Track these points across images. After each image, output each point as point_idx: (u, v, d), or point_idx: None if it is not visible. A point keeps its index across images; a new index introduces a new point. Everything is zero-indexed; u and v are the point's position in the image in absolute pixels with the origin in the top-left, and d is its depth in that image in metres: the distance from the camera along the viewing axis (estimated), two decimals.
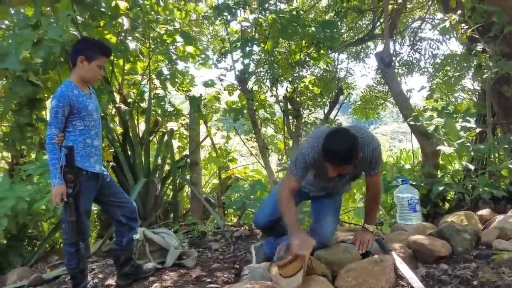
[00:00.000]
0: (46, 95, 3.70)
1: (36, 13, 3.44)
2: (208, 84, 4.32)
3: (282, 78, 4.91)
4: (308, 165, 2.41)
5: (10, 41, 3.27)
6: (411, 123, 3.94)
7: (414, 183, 3.89)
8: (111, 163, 3.97)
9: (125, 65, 4.28)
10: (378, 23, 6.87)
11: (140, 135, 4.22)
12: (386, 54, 4.22)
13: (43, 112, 3.80)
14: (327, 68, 5.44)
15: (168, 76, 4.22)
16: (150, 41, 4.07)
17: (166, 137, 4.24)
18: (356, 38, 7.30)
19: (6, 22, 4.14)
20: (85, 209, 2.61)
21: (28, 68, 3.34)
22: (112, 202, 2.79)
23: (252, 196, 3.80)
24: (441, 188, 3.79)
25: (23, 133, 3.69)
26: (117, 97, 4.17)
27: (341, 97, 4.96)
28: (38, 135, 3.91)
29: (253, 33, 4.31)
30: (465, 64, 4.22)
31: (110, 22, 3.60)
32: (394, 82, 4.29)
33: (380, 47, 7.90)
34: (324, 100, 5.19)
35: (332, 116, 4.82)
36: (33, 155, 4.11)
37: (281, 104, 4.69)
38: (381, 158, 2.50)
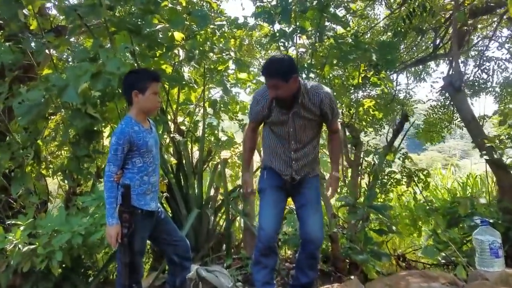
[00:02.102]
0: (104, 128, 3.71)
1: (94, 46, 3.48)
2: None
3: (341, 105, 4.68)
4: (257, 102, 2.75)
5: (68, 73, 3.32)
6: (486, 157, 3.57)
7: (491, 220, 3.51)
8: (165, 194, 3.90)
9: (179, 94, 4.25)
10: (439, 41, 6.51)
11: (194, 164, 4.15)
12: (456, 78, 3.88)
13: (101, 144, 3.81)
14: (387, 90, 5.13)
15: (222, 105, 4.13)
16: (205, 70, 4.01)
17: (219, 167, 4.13)
18: (416, 58, 6.95)
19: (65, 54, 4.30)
20: (140, 249, 2.54)
21: (86, 101, 3.35)
22: (166, 240, 2.70)
23: None
24: None
25: (80, 164, 3.70)
26: (172, 126, 4.14)
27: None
28: (95, 165, 3.93)
29: (310, 59, 4.14)
30: None
31: (166, 53, 3.57)
32: (465, 108, 3.93)
33: (442, 67, 7.46)
34: (382, 122, 4.89)
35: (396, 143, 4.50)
36: (89, 184, 4.14)
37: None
38: (335, 105, 2.77)
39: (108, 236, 2.42)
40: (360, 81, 4.68)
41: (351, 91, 4.74)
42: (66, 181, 3.76)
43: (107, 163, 2.47)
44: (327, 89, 2.77)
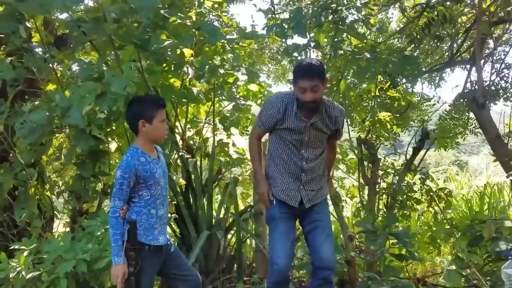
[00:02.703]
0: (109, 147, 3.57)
1: (99, 64, 3.33)
2: None
3: (356, 118, 4.50)
4: (272, 105, 2.65)
5: (72, 93, 3.17)
6: None
7: None
8: (173, 215, 3.74)
9: (188, 111, 4.09)
10: (456, 48, 6.27)
11: (203, 183, 3.99)
12: (480, 94, 3.67)
13: (107, 164, 3.66)
14: (404, 103, 4.92)
15: (232, 119, 3.96)
16: (214, 85, 3.83)
17: (229, 187, 3.96)
18: (432, 65, 6.70)
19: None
20: (147, 287, 2.36)
21: (91, 122, 3.20)
22: (175, 275, 2.54)
23: None
24: None
25: (86, 184, 3.56)
26: (180, 143, 3.98)
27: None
28: (101, 183, 3.79)
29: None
30: None
31: (175, 71, 3.40)
32: (490, 126, 3.72)
33: (458, 71, 7.22)
34: (398, 135, 4.68)
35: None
36: (95, 203, 4.00)
37: (355, 148, 4.25)
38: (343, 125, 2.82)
39: (113, 276, 2.27)
40: (376, 93, 4.49)
41: (367, 105, 4.55)
42: (71, 204, 3.61)
43: (112, 198, 2.31)
44: (342, 108, 2.81)
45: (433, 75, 7.18)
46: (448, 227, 4.14)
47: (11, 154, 3.72)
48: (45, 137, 3.57)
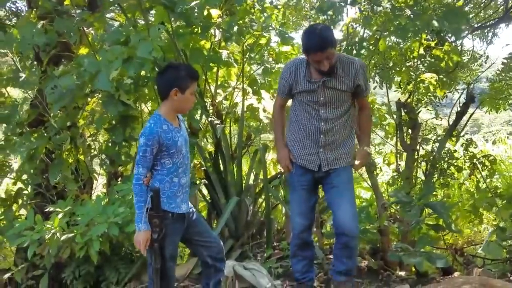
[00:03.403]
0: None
1: (127, 27, 3.26)
2: None
3: (395, 80, 4.23)
4: (286, 70, 2.68)
5: (100, 58, 3.14)
6: None
7: None
8: (203, 180, 3.74)
9: (218, 74, 3.98)
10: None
11: (233, 149, 3.93)
12: None
13: (138, 129, 3.67)
14: (451, 63, 4.54)
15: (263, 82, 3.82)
16: (243, 47, 3.68)
17: (258, 153, 3.88)
18: (485, 20, 6.14)
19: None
20: (171, 254, 2.40)
21: (119, 87, 3.18)
22: (198, 242, 2.54)
23: None
24: None
25: (119, 149, 3.60)
26: (210, 108, 3.91)
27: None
28: (133, 148, 3.82)
29: (363, 32, 3.69)
30: None
31: (202, 33, 3.28)
32: None
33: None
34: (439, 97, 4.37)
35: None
36: (129, 167, 4.07)
37: (393, 112, 4.02)
38: (367, 78, 2.70)
39: (136, 242, 2.29)
40: (421, 52, 4.17)
41: (410, 65, 4.24)
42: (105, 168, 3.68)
43: (135, 165, 2.31)
44: (359, 59, 2.69)
45: (486, 31, 6.62)
46: (491, 195, 3.91)
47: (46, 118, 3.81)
48: (80, 101, 3.62)
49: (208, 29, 3.30)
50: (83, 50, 3.88)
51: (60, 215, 3.36)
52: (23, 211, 4.08)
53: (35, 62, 4.11)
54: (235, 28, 3.49)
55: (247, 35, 3.57)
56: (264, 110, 4.39)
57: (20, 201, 3.96)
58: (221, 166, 3.90)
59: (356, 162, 2.74)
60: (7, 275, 3.72)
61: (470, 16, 5.97)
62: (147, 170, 2.29)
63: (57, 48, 3.85)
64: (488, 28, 6.43)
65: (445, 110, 5.42)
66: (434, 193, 4.08)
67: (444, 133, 3.81)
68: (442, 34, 4.11)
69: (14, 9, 5.73)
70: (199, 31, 3.28)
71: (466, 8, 5.64)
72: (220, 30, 3.33)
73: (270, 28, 3.61)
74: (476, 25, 6.05)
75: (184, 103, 2.34)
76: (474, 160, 3.90)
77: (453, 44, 4.41)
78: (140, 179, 2.27)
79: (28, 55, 4.11)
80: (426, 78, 4.11)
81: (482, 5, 6.18)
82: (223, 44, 3.82)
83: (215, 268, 2.57)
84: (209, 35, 3.39)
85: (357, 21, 3.53)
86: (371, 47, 3.60)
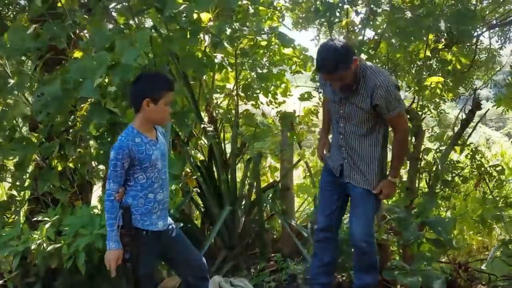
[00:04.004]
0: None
1: (114, 32, 3.15)
2: (304, 97, 3.67)
3: (402, 85, 4.02)
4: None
5: (86, 64, 3.04)
6: None
7: None
8: (195, 189, 3.63)
9: (214, 79, 3.86)
10: None
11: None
12: None
13: None
14: (459, 66, 4.31)
15: (258, 91, 3.68)
16: (236, 52, 3.54)
17: (251, 162, 3.74)
18: (504, 16, 5.82)
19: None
20: (146, 273, 2.28)
21: (105, 94, 3.08)
22: (179, 260, 2.43)
23: None
24: None
25: (108, 157, 3.50)
26: (205, 115, 3.79)
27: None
28: None
29: (362, 36, 3.51)
30: None
31: (191, 38, 3.15)
32: None
33: None
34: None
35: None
36: None
37: None
38: (393, 99, 2.42)
39: (106, 261, 2.19)
40: (427, 53, 3.94)
41: (415, 68, 4.02)
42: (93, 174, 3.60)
43: (107, 181, 2.20)
44: (388, 76, 2.47)
45: (505, 28, 6.30)
46: (499, 207, 3.69)
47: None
48: (66, 109, 3.52)
49: (197, 34, 3.17)
50: (78, 54, 3.80)
51: (47, 225, 3.30)
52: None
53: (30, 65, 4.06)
54: (228, 32, 3.36)
55: (241, 39, 3.42)
56: (264, 115, 4.25)
57: (13, 208, 3.91)
58: (216, 174, 3.78)
59: (374, 191, 2.60)
60: (0, 281, 3.69)
61: (487, 12, 5.70)
62: (118, 186, 2.18)
63: (51, 52, 3.79)
64: (508, 26, 6.11)
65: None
66: (440, 203, 3.88)
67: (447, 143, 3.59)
68: (449, 36, 3.89)
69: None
70: (188, 38, 3.15)
71: (484, 3, 5.37)
72: (209, 35, 3.19)
73: (262, 32, 3.45)
74: (494, 22, 5.75)
75: (157, 115, 2.21)
76: (482, 169, 3.67)
77: (467, 44, 4.18)
78: (111, 195, 2.17)
79: (23, 60, 4.06)
80: (432, 81, 3.90)
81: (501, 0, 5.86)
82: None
83: None
84: (199, 40, 3.25)
85: (355, 23, 3.34)
86: (370, 50, 3.42)
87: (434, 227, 2.71)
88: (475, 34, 4.71)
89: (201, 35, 3.21)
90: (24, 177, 3.75)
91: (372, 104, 2.43)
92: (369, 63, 2.53)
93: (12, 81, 3.45)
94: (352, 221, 2.65)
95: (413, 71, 4.02)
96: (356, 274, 2.74)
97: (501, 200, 3.79)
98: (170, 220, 2.42)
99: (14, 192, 3.90)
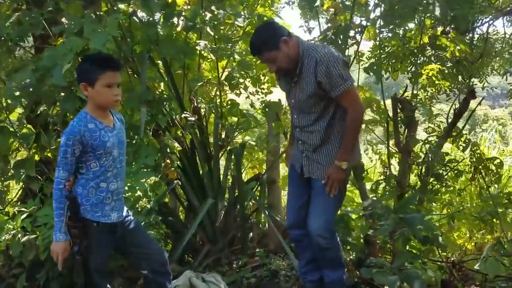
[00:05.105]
0: None
1: (87, 17, 3.05)
2: None
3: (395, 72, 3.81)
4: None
5: (58, 50, 2.96)
6: None
7: None
8: (176, 181, 3.51)
9: (200, 67, 3.73)
10: None
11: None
12: None
13: None
14: (458, 53, 4.05)
15: (241, 80, 3.53)
16: (215, 39, 3.39)
17: (233, 154, 3.60)
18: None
19: None
20: (98, 268, 2.16)
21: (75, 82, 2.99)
22: (136, 254, 2.31)
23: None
24: None
25: None
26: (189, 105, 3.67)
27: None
28: None
29: (349, 22, 3.31)
30: None
31: (165, 22, 3.03)
32: None
33: None
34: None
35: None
36: None
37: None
38: (336, 75, 2.24)
39: (53, 253, 2.09)
40: (424, 41, 3.71)
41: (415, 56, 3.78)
42: None
43: (56, 168, 2.09)
44: (331, 51, 2.29)
45: None
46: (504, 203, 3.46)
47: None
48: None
49: (171, 18, 3.04)
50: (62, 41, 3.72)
51: (24, 215, 3.25)
52: None
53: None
54: (208, 17, 3.22)
55: (220, 24, 3.28)
56: (253, 106, 4.10)
57: None
58: (200, 166, 3.66)
59: (323, 181, 2.44)
60: None
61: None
62: (68, 174, 2.07)
63: (37, 41, 3.74)
64: None
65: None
66: (436, 197, 3.66)
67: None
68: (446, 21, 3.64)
69: None
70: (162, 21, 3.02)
71: None
72: (182, 19, 3.05)
73: (240, 16, 3.29)
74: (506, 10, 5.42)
75: (100, 98, 2.08)
76: (479, 163, 3.43)
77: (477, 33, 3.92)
78: (60, 183, 2.07)
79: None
80: (428, 69, 3.67)
81: None
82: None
83: (156, 284, 2.34)
84: (172, 24, 3.12)
85: (338, 6, 3.15)
86: (357, 36, 3.22)
87: (412, 224, 2.51)
88: (483, 20, 4.45)
89: (175, 19, 3.07)
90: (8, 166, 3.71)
91: (316, 81, 2.28)
92: (314, 43, 2.42)
93: None
94: (310, 216, 2.52)
95: (406, 60, 3.78)
96: (323, 272, 2.63)
97: (504, 197, 3.57)
98: (127, 212, 2.30)
99: None
